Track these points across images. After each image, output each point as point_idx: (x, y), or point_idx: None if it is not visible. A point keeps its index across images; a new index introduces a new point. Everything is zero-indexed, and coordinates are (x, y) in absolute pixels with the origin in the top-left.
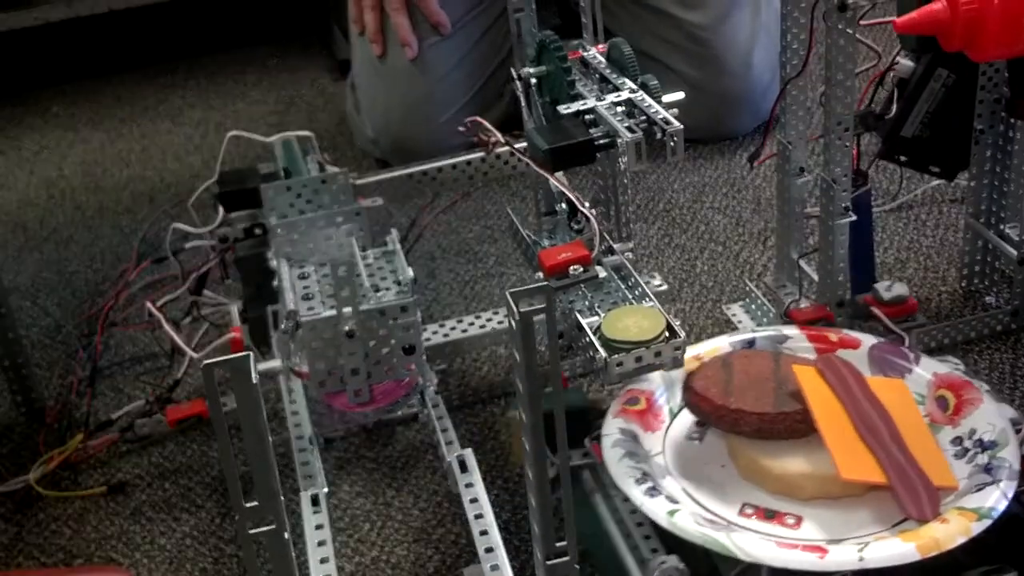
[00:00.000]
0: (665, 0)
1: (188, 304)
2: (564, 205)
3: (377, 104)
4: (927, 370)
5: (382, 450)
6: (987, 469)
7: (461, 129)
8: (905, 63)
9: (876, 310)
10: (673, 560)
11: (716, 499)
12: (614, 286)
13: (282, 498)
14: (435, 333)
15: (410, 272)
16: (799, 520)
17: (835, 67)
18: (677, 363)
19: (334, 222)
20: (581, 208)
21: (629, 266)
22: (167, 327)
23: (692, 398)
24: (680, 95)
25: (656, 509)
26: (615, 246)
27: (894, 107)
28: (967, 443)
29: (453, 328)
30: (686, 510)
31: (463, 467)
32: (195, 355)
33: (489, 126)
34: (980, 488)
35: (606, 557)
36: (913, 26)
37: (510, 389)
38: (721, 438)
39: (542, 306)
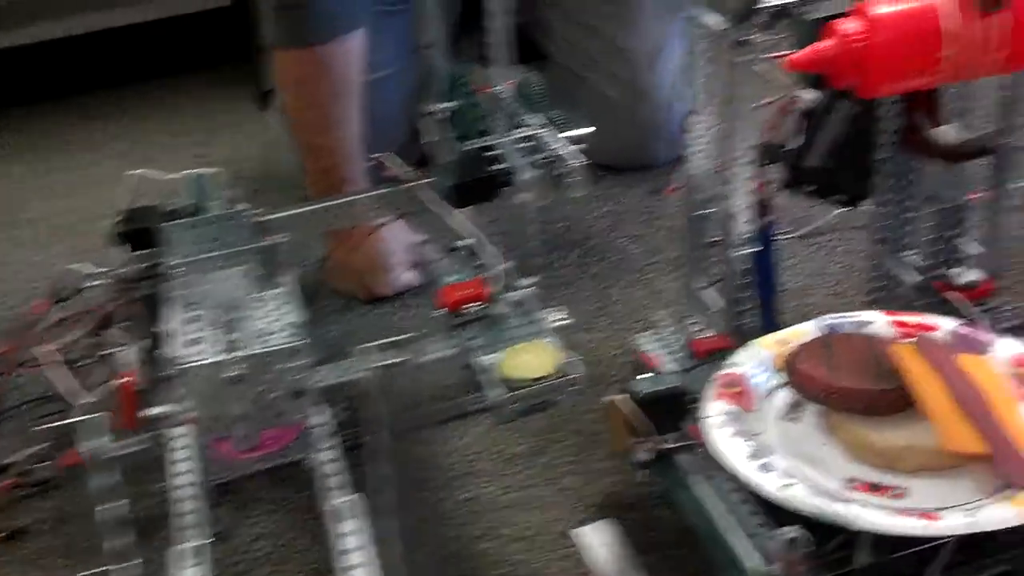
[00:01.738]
0: (607, 25)
1: (90, 345)
2: (468, 241)
3: None
4: (1006, 350)
5: (285, 492)
6: None
7: (370, 163)
8: (809, 95)
9: (951, 293)
10: (795, 529)
11: (823, 474)
12: (515, 322)
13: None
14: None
15: (301, 315)
16: (904, 491)
17: (735, 100)
18: (573, 399)
19: (234, 261)
20: (481, 245)
21: (530, 301)
22: (58, 370)
23: (798, 378)
24: (588, 129)
25: (770, 484)
26: (518, 281)
27: (797, 138)
28: None
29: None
30: (800, 485)
31: (345, 514)
32: (87, 399)
33: (397, 161)
34: None
35: (710, 535)
36: (804, 64)
37: (418, 425)
38: (820, 416)
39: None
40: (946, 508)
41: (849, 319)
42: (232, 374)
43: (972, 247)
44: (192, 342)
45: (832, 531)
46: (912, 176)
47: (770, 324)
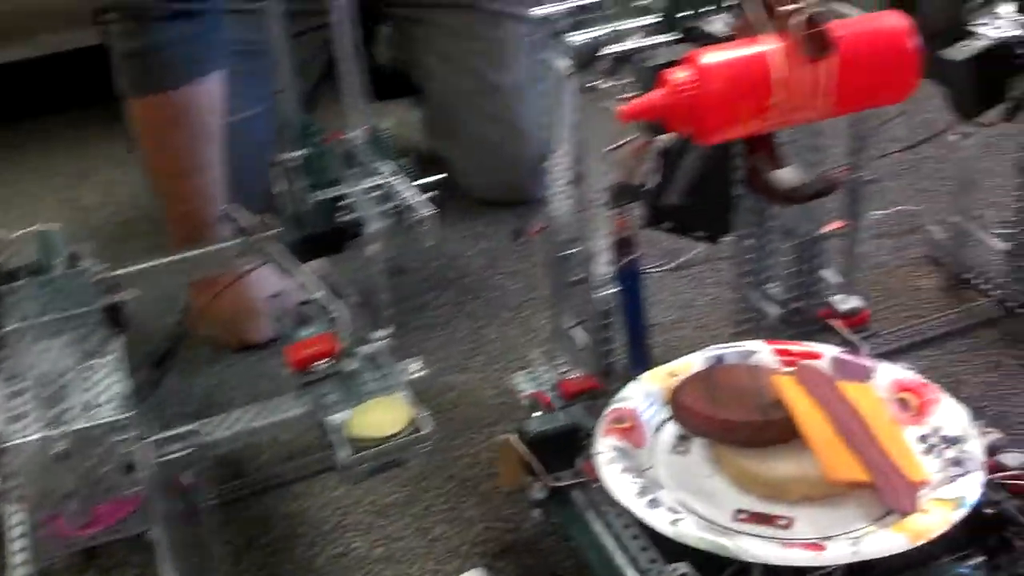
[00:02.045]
0: (479, 62)
1: None
2: (316, 295)
3: None
4: (886, 375)
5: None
6: (956, 462)
7: (219, 213)
8: (664, 135)
9: (832, 322)
10: (683, 566)
11: (710, 506)
12: (369, 376)
13: None
14: (237, 421)
15: (127, 384)
16: (791, 521)
17: (585, 144)
18: (426, 456)
19: (73, 324)
20: (328, 300)
21: (384, 355)
22: None
23: (681, 412)
24: (440, 176)
25: (659, 520)
26: (372, 334)
27: (655, 178)
28: (932, 439)
29: (259, 414)
30: (688, 519)
31: None
32: None
33: (244, 212)
34: (953, 480)
35: (604, 571)
36: (636, 114)
37: (289, 478)
38: (706, 449)
39: None
40: (831, 537)
41: (734, 349)
42: (58, 450)
43: (832, 277)
44: (15, 417)
45: (724, 563)
46: (768, 211)
47: (639, 361)
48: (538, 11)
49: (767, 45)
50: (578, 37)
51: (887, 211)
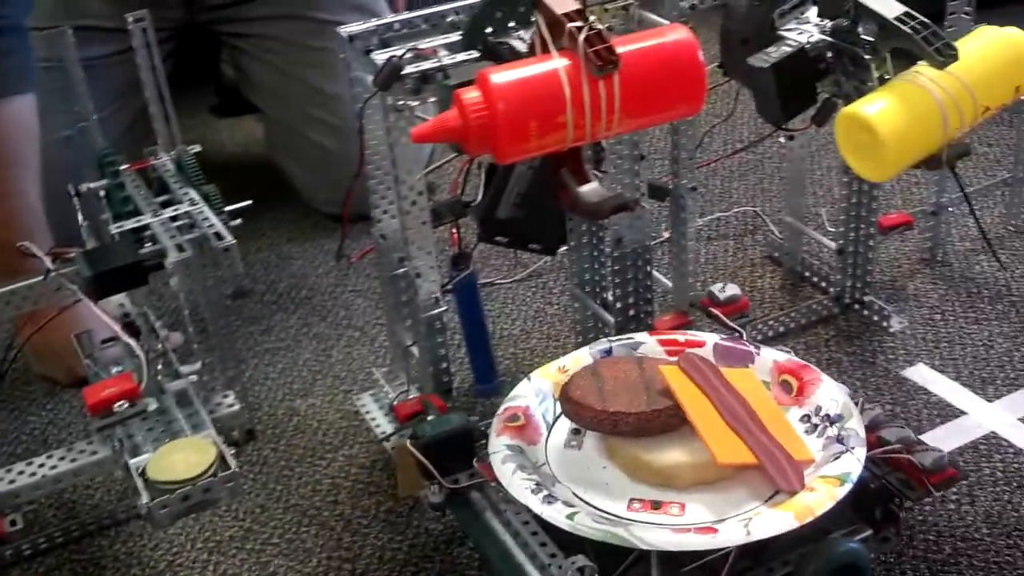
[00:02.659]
0: (312, 73)
1: None
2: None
3: None
4: (767, 359)
5: None
6: (839, 440)
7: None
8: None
9: (714, 310)
10: (582, 559)
11: (604, 498)
12: (175, 415)
13: None
14: (40, 467)
15: None
16: (683, 507)
17: (400, 163)
18: (233, 495)
19: None
20: (124, 337)
21: (191, 392)
22: None
23: (571, 407)
24: (246, 203)
25: (556, 514)
26: (181, 369)
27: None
28: (815, 419)
29: (62, 459)
30: (583, 512)
31: None
32: None
33: (36, 250)
34: (837, 457)
35: (507, 570)
36: (429, 135)
37: (122, 517)
38: (598, 441)
39: None
40: (723, 520)
41: (620, 342)
42: None
43: (663, 283)
44: None
45: (623, 552)
46: (601, 222)
47: (483, 376)
48: (345, 30)
49: (556, 63)
50: (381, 55)
51: (727, 212)
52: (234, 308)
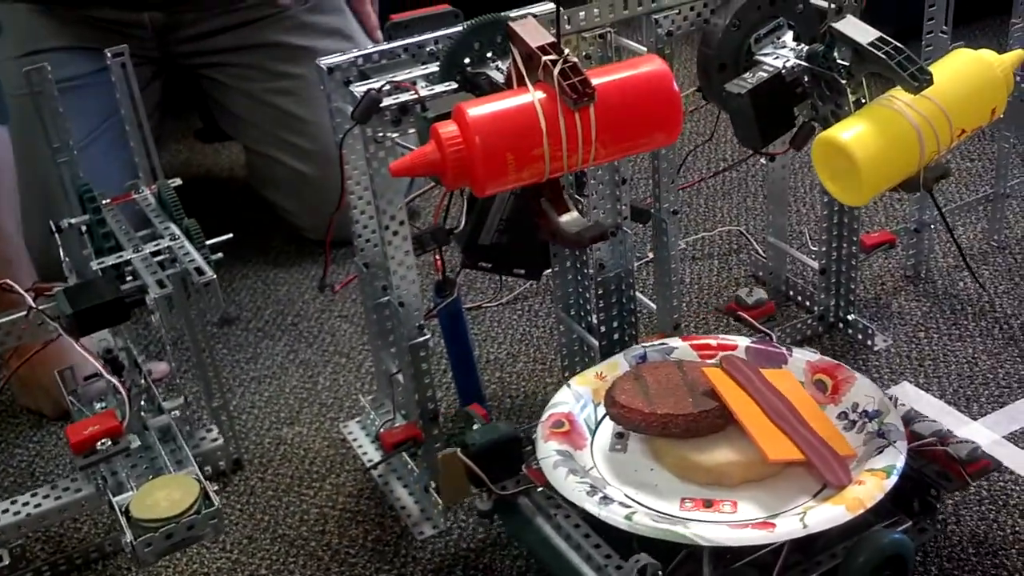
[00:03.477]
0: (285, 100)
1: None
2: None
3: None
4: (800, 359)
5: None
6: (880, 434)
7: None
8: None
9: (743, 314)
10: (645, 557)
11: (656, 498)
12: (156, 451)
13: None
14: (25, 505)
15: None
16: (735, 504)
17: (381, 193)
18: (217, 532)
19: None
20: (106, 376)
21: (174, 427)
22: None
23: (619, 411)
24: (227, 236)
25: (614, 516)
26: (164, 404)
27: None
28: (852, 416)
29: (46, 497)
30: (640, 512)
31: None
32: None
33: (16, 287)
34: (880, 450)
35: (562, 572)
36: (408, 169)
37: (108, 551)
38: (644, 444)
39: None
40: (778, 515)
41: (655, 347)
42: None
43: (647, 305)
44: None
45: (674, 550)
46: (585, 247)
47: (470, 400)
48: (324, 61)
49: (532, 96)
50: (360, 88)
51: (711, 232)
52: (220, 336)
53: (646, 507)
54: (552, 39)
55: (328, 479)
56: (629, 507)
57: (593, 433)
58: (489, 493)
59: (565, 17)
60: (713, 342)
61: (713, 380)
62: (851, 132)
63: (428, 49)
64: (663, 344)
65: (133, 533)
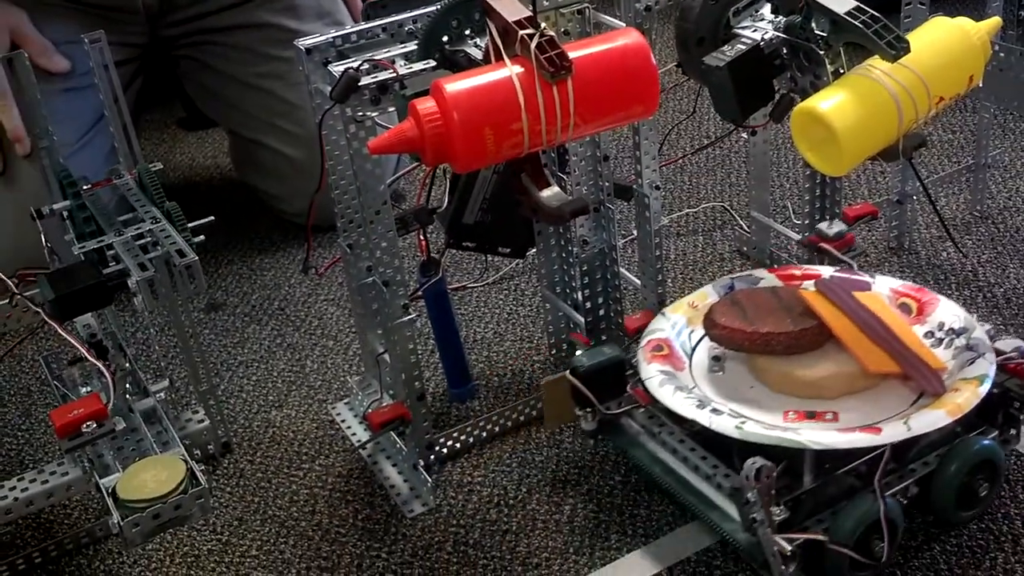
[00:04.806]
0: (272, 83)
1: None
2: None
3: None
4: (884, 286)
5: None
6: (969, 348)
7: None
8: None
9: (825, 245)
10: (760, 459)
11: (760, 412)
12: (142, 433)
13: None
14: (12, 490)
15: None
16: (836, 415)
17: (362, 174)
18: (204, 511)
19: None
20: (90, 359)
21: (159, 409)
22: None
23: (721, 332)
24: (209, 219)
25: (726, 424)
26: (150, 387)
27: (451, 200)
28: (939, 334)
29: (33, 482)
30: (750, 422)
31: None
32: None
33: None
34: (971, 362)
35: (673, 483)
36: (387, 147)
37: (99, 535)
38: (741, 364)
39: None
40: (883, 421)
41: (741, 278)
42: None
43: (632, 281)
44: None
45: (777, 458)
46: (569, 223)
47: (457, 381)
48: (302, 42)
49: (510, 70)
50: (339, 67)
51: (695, 208)
52: (207, 321)
53: (753, 419)
54: (528, 13)
55: (317, 460)
56: (739, 417)
57: (690, 357)
58: (594, 414)
59: None
60: (798, 272)
61: (810, 300)
62: (829, 102)
63: (407, 28)
64: (748, 275)
65: (120, 514)
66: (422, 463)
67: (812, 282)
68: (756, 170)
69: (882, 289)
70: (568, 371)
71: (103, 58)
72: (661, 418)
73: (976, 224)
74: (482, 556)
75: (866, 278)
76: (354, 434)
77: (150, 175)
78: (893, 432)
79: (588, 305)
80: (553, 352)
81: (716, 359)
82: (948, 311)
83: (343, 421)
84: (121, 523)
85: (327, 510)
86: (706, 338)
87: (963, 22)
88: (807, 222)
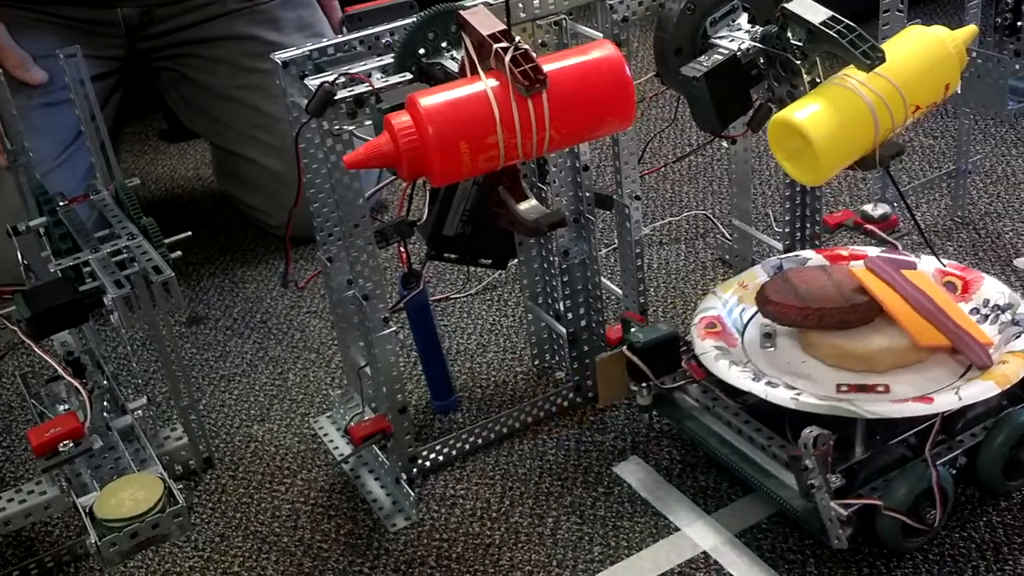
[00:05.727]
0: (252, 95)
1: None
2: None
3: None
4: (930, 265)
5: None
6: (1015, 322)
7: None
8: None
9: (870, 226)
10: (816, 428)
11: (813, 385)
12: (120, 452)
13: None
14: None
15: None
16: (887, 387)
17: (340, 188)
18: (183, 530)
19: None
20: (66, 377)
21: (137, 427)
22: None
23: (774, 308)
24: (186, 234)
25: (782, 395)
26: (127, 404)
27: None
28: (984, 311)
29: (10, 501)
30: (805, 394)
31: None
32: None
33: None
34: (1017, 336)
35: (728, 454)
36: (362, 162)
37: (80, 552)
38: (793, 339)
39: None
40: (934, 392)
41: (790, 258)
42: None
43: (614, 291)
44: None
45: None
46: (549, 235)
47: (440, 392)
48: (279, 56)
49: (485, 84)
50: (315, 81)
51: (677, 217)
52: (189, 335)
53: (807, 392)
54: (503, 27)
55: (300, 475)
56: (794, 389)
57: (742, 334)
58: (650, 388)
59: (520, 4)
60: (844, 252)
61: (861, 277)
62: (805, 112)
63: (384, 41)
64: (796, 255)
65: (98, 533)
66: (405, 477)
67: (859, 261)
68: (737, 178)
69: (927, 268)
70: (625, 347)
71: (79, 73)
72: (715, 392)
73: (957, 230)
74: (465, 570)
75: (911, 258)
76: (336, 448)
77: (127, 191)
78: (945, 402)
79: (570, 316)
80: (535, 363)
81: (768, 335)
82: (993, 288)
83: (325, 435)
84: (98, 543)
85: (309, 525)
86: (757, 316)
87: (939, 31)
88: (787, 230)
